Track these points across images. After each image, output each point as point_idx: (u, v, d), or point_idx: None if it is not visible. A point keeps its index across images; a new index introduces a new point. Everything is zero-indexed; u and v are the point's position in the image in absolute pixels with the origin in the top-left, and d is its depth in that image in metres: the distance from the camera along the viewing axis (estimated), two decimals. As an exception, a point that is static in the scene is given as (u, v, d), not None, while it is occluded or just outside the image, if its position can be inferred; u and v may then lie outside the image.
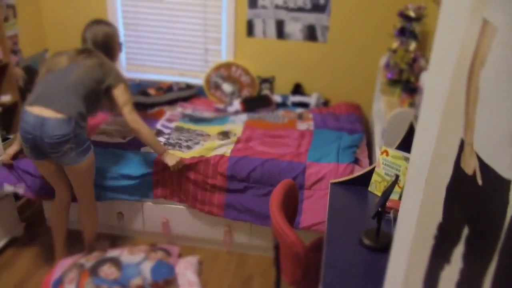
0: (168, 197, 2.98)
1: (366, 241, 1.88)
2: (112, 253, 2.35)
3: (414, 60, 2.79)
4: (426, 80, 0.72)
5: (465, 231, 0.64)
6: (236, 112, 3.54)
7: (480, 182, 0.60)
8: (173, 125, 3.29)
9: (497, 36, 0.57)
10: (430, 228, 0.73)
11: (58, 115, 2.39)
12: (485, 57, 0.60)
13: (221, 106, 3.66)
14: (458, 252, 0.65)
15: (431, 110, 0.71)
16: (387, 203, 1.96)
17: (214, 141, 3.04)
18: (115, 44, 2.77)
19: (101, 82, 2.58)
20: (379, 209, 1.86)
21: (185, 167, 2.86)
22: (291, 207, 2.20)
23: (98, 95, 2.61)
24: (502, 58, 0.55)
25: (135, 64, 4.02)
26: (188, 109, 3.60)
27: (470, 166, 0.63)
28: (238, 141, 3.06)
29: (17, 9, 3.55)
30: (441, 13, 0.66)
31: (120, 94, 2.62)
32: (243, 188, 2.85)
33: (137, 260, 2.28)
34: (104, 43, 2.70)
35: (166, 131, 3.20)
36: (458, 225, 0.66)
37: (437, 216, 0.72)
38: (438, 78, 0.68)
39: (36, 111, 2.40)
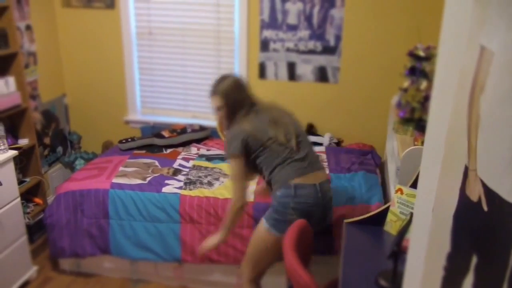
0: (198, 261, 2.96)
1: (382, 282, 1.83)
2: None
3: (426, 98, 2.80)
4: (430, 108, 0.73)
5: (474, 259, 0.62)
6: (249, 153, 3.56)
7: (485, 208, 0.59)
8: (190, 164, 3.32)
9: (494, 61, 0.57)
10: (439, 259, 0.72)
11: (326, 176, 2.36)
12: (484, 83, 0.60)
13: (234, 147, 3.68)
14: (468, 282, 0.63)
15: (435, 138, 0.70)
16: (403, 243, 1.92)
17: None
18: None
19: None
20: (395, 249, 1.81)
21: (212, 217, 2.87)
22: (305, 248, 2.16)
23: None
24: (500, 82, 0.55)
25: (149, 107, 4.10)
26: (202, 149, 3.63)
27: (475, 192, 0.62)
28: (257, 183, 3.05)
29: (37, 56, 3.69)
30: (440, 42, 0.67)
31: None
32: None
33: None
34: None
35: (184, 170, 3.22)
36: (466, 254, 0.64)
37: (446, 246, 0.70)
38: (440, 106, 0.68)
39: (310, 180, 2.29)
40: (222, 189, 2.96)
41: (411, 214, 2.01)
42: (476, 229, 0.62)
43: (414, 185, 2.28)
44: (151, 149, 3.62)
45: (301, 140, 2.38)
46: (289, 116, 2.46)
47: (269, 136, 2.30)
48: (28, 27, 3.56)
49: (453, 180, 0.68)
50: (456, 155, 0.66)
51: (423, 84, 2.84)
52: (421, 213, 0.76)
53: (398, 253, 1.81)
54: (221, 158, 3.43)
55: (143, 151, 3.57)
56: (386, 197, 2.95)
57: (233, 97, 2.34)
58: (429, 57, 2.87)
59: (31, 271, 3.12)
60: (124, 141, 3.65)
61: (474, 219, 0.63)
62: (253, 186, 3.01)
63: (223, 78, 2.40)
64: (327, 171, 3.17)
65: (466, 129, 0.64)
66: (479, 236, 0.61)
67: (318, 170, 2.34)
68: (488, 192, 0.59)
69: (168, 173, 3.18)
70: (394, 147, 3.01)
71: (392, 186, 2.74)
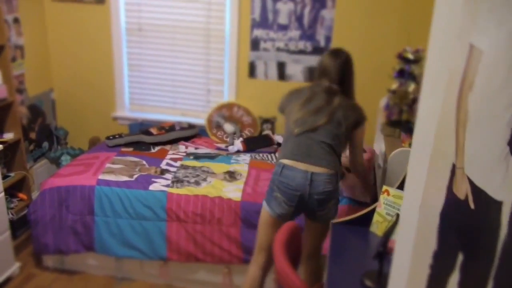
0: (184, 260, 2.95)
1: (368, 283, 1.83)
2: None
3: (414, 101, 2.82)
4: (419, 106, 0.73)
5: (460, 257, 0.62)
6: (238, 152, 3.55)
7: (472, 205, 0.60)
8: (178, 163, 3.30)
9: (483, 59, 0.57)
10: (425, 257, 0.72)
11: (327, 171, 2.29)
12: (472, 81, 0.60)
13: (222, 145, 3.68)
14: (454, 280, 0.63)
15: (424, 136, 0.70)
16: (388, 244, 1.93)
17: (221, 181, 3.03)
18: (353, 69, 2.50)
19: (351, 125, 2.38)
20: (381, 249, 1.82)
21: (198, 217, 2.86)
22: (294, 250, 2.16)
23: (345, 139, 2.42)
24: (488, 80, 0.56)
25: (138, 104, 4.07)
26: (190, 148, 3.61)
27: (462, 190, 0.62)
28: (246, 183, 3.04)
29: (25, 49, 3.64)
30: (430, 40, 0.68)
31: (361, 132, 2.43)
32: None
33: None
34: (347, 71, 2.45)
35: (172, 169, 3.20)
36: (452, 252, 0.64)
37: (432, 244, 0.70)
38: (430, 104, 0.69)
39: (302, 167, 2.27)
40: (210, 188, 2.95)
41: (397, 215, 2.02)
42: (462, 227, 0.62)
43: (401, 186, 2.29)
44: (139, 146, 3.59)
45: (321, 131, 2.31)
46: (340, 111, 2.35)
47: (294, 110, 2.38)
48: (16, 20, 3.52)
49: (440, 178, 0.68)
50: (444, 153, 0.67)
51: (411, 87, 2.86)
52: (408, 211, 0.76)
53: (384, 254, 1.81)
54: (209, 157, 3.42)
55: (131, 149, 3.54)
56: (374, 199, 2.96)
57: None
58: (418, 59, 2.89)
59: (14, 268, 3.07)
60: (111, 137, 3.61)
61: (461, 217, 0.63)
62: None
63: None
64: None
65: (454, 127, 0.64)
66: (465, 234, 0.62)
67: (316, 165, 2.28)
68: (475, 190, 0.59)
69: (156, 172, 3.16)
70: (381, 149, 3.03)
71: (379, 187, 2.75)
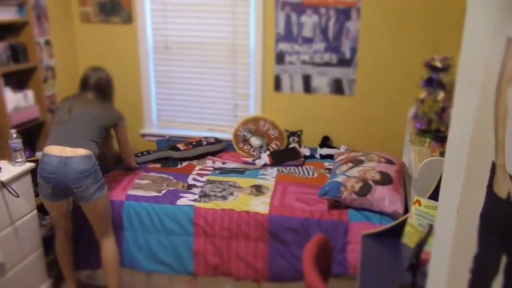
0: (211, 273, 2.94)
1: (402, 296, 1.78)
2: None
3: (443, 109, 2.76)
4: (454, 103, 0.70)
5: (503, 260, 0.59)
6: (265, 165, 3.53)
7: (515, 204, 0.57)
8: (204, 179, 3.30)
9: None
10: (465, 262, 0.69)
11: (80, 152, 2.64)
12: None
13: (249, 159, 3.67)
14: (497, 284, 0.60)
15: (460, 134, 0.68)
16: (422, 255, 1.87)
17: (248, 196, 3.02)
18: (113, 87, 3.12)
19: (109, 122, 2.93)
20: (414, 261, 1.77)
21: (226, 231, 2.85)
22: (324, 263, 2.12)
23: (106, 135, 2.94)
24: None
25: (166, 120, 4.12)
26: (217, 162, 3.62)
27: (503, 189, 0.60)
28: (273, 197, 3.01)
29: (56, 70, 3.74)
30: (464, 34, 0.66)
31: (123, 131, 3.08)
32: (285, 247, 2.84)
33: None
34: (106, 87, 3.04)
35: (199, 184, 3.21)
36: (495, 254, 0.61)
37: (472, 247, 0.67)
38: (465, 101, 0.66)
39: (56, 151, 2.64)
40: (237, 202, 2.94)
41: (430, 226, 1.97)
42: (505, 227, 0.60)
43: (432, 196, 2.23)
44: (167, 162, 3.62)
45: (77, 118, 2.77)
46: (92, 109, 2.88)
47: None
48: (48, 42, 3.62)
49: (479, 178, 0.65)
50: (483, 151, 0.64)
51: (440, 95, 2.80)
52: (445, 215, 0.73)
53: (417, 266, 1.76)
54: (236, 172, 3.41)
55: (159, 165, 3.57)
56: (406, 211, 2.89)
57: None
58: (446, 67, 2.84)
59: (46, 284, 3.11)
60: (139, 154, 3.66)
61: (503, 217, 0.60)
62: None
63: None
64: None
65: (492, 123, 0.62)
66: (508, 235, 0.59)
67: (70, 146, 2.66)
68: (518, 187, 0.56)
69: (183, 187, 3.17)
70: (411, 159, 2.97)
71: (410, 198, 2.69)
